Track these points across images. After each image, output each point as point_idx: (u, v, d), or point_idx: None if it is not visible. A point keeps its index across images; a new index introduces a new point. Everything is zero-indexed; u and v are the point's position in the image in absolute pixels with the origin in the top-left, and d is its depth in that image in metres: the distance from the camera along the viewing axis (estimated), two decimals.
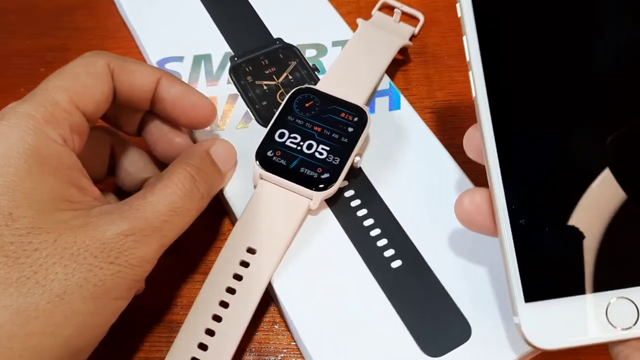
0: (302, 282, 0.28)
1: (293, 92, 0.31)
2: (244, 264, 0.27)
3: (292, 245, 0.28)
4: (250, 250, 0.27)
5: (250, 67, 0.34)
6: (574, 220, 0.21)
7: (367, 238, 0.29)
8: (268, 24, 0.36)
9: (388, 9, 0.38)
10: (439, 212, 0.29)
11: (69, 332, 0.21)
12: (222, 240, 0.31)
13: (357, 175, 0.30)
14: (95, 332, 0.23)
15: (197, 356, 0.25)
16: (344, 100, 0.30)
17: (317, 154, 0.29)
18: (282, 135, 0.29)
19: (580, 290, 0.21)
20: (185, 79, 0.34)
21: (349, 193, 0.30)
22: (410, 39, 0.37)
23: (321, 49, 0.35)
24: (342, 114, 0.30)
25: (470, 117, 0.34)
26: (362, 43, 0.34)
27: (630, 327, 0.20)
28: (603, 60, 0.22)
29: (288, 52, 0.35)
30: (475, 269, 0.28)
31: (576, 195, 0.22)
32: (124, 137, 0.30)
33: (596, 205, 0.21)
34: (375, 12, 0.38)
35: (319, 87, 0.31)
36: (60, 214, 0.22)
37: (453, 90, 0.36)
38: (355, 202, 0.30)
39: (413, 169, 0.31)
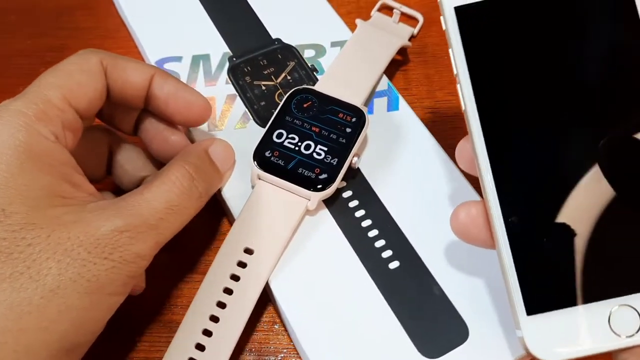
0: (299, 283, 0.28)
1: (291, 93, 0.31)
2: (242, 265, 0.27)
3: (289, 245, 0.28)
4: (248, 251, 0.27)
5: (248, 68, 0.34)
6: (571, 230, 0.21)
7: (364, 239, 0.29)
8: (267, 24, 0.36)
9: (387, 10, 0.38)
10: (436, 214, 0.29)
11: (64, 327, 0.21)
12: (223, 240, 0.31)
13: (355, 176, 0.30)
14: (91, 328, 0.23)
15: (194, 356, 0.25)
16: (342, 101, 0.30)
17: (315, 155, 0.29)
18: (280, 135, 0.29)
19: (582, 300, 0.21)
20: (183, 79, 0.34)
21: (347, 194, 0.30)
22: (410, 40, 0.37)
23: (320, 50, 0.35)
24: (340, 115, 0.30)
25: None
26: (360, 43, 0.34)
27: (633, 335, 0.20)
28: (590, 67, 0.22)
29: (287, 53, 0.35)
30: (472, 271, 0.28)
31: (572, 204, 0.21)
32: (121, 136, 0.30)
33: (593, 214, 0.21)
34: (374, 12, 0.38)
35: (317, 87, 0.31)
36: (54, 209, 0.22)
37: (453, 90, 0.36)
38: (354, 203, 0.30)
39: (411, 170, 0.30)
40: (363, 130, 0.30)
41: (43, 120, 0.23)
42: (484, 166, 0.22)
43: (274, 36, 0.36)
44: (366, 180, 0.30)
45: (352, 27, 0.35)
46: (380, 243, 0.28)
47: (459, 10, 0.22)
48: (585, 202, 0.21)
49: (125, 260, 0.23)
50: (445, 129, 0.34)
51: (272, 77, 0.34)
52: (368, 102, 0.33)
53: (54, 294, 0.21)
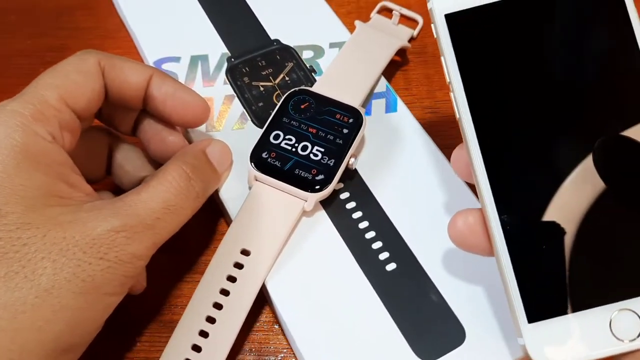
0: (296, 284, 0.28)
1: (288, 94, 0.31)
2: (238, 266, 0.27)
3: (286, 247, 0.28)
4: (245, 252, 0.27)
5: (247, 68, 0.34)
6: (570, 236, 0.21)
7: (361, 241, 0.29)
8: (265, 25, 0.36)
9: (388, 12, 0.38)
10: (434, 216, 0.29)
11: (58, 327, 0.21)
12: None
13: (352, 178, 0.30)
14: (87, 328, 0.23)
15: (190, 357, 0.25)
16: (340, 102, 0.30)
17: (312, 156, 0.29)
18: (277, 136, 0.29)
19: (582, 306, 0.21)
20: (182, 79, 0.34)
21: (344, 195, 0.30)
22: (409, 41, 0.37)
23: (318, 51, 0.35)
24: (338, 116, 0.30)
25: None
26: (359, 45, 0.34)
27: (635, 339, 0.20)
28: (583, 72, 0.22)
29: (285, 54, 0.35)
30: (470, 273, 0.27)
31: (570, 210, 0.21)
32: (121, 136, 0.30)
33: (591, 219, 0.21)
34: (373, 14, 0.38)
35: (315, 88, 0.31)
36: (50, 209, 0.22)
37: None
38: (351, 205, 0.30)
39: (409, 172, 0.30)
40: (360, 132, 0.30)
41: (40, 120, 0.23)
42: (481, 174, 0.22)
43: (272, 37, 0.36)
44: (363, 182, 0.30)
45: (351, 28, 0.35)
46: (377, 245, 0.28)
47: (450, 18, 0.22)
48: (583, 207, 0.21)
49: (121, 260, 0.23)
50: (446, 129, 0.34)
51: (271, 78, 0.34)
52: (366, 103, 0.33)
53: (49, 294, 0.21)
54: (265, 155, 0.29)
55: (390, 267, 0.28)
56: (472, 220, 0.23)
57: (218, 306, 0.26)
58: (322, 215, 0.29)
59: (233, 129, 0.32)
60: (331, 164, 0.29)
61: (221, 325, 0.26)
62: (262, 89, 0.34)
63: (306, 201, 0.28)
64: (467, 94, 0.22)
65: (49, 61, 0.38)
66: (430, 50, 0.37)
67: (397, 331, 0.26)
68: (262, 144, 0.29)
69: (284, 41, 0.35)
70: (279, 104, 0.31)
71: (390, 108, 0.33)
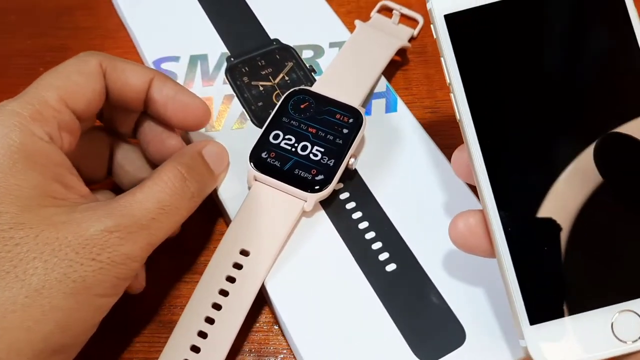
0: (295, 285, 0.27)
1: (288, 94, 0.31)
2: (237, 266, 0.27)
3: (286, 247, 0.28)
4: (244, 252, 0.27)
5: (246, 68, 0.34)
6: (572, 238, 0.21)
7: (361, 241, 0.28)
8: (265, 25, 0.36)
9: (388, 11, 0.38)
10: (434, 216, 0.29)
11: (49, 327, 0.21)
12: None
13: (352, 178, 0.30)
14: (78, 329, 0.23)
15: (189, 358, 0.25)
16: (339, 102, 0.30)
17: (311, 156, 0.29)
18: (276, 136, 0.29)
19: (584, 308, 0.21)
20: (181, 78, 0.34)
21: (344, 195, 0.30)
22: (409, 41, 0.36)
23: (318, 50, 0.35)
24: (337, 116, 0.30)
25: None
26: (359, 44, 0.34)
27: (637, 340, 0.20)
28: (583, 72, 0.22)
29: (285, 53, 0.35)
30: (470, 274, 0.27)
31: (572, 212, 0.21)
32: (123, 137, 0.30)
33: (593, 221, 0.21)
34: (373, 14, 0.38)
35: (314, 88, 0.31)
36: (44, 210, 0.22)
37: None
38: (350, 205, 0.29)
39: (409, 172, 0.30)
40: (360, 132, 0.29)
41: (38, 120, 0.24)
42: (482, 175, 0.22)
43: (272, 36, 0.35)
44: (363, 182, 0.30)
45: (351, 27, 0.35)
46: (377, 245, 0.28)
47: (449, 18, 0.22)
48: (586, 209, 0.21)
49: (113, 261, 0.23)
50: (446, 129, 0.34)
51: (270, 77, 0.34)
52: (366, 103, 0.33)
53: (39, 294, 0.21)
54: (265, 155, 0.29)
55: (390, 267, 0.28)
56: (473, 221, 0.23)
57: (217, 307, 0.26)
58: (322, 215, 0.29)
59: (232, 129, 0.32)
60: (331, 164, 0.29)
61: (220, 325, 0.26)
62: (261, 88, 0.34)
63: (306, 201, 0.28)
64: (468, 94, 0.22)
65: (49, 61, 0.38)
66: (431, 50, 0.37)
67: (396, 332, 0.26)
68: (262, 144, 0.29)
69: (284, 41, 0.35)
70: (278, 104, 0.31)
71: (390, 108, 0.33)
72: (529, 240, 0.21)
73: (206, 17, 0.36)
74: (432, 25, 0.22)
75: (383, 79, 0.34)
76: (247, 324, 0.27)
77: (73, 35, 0.39)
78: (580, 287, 0.21)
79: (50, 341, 0.22)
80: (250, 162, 0.29)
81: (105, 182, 0.30)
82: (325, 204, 0.29)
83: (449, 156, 0.30)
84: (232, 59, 0.35)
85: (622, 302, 0.21)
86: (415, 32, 0.37)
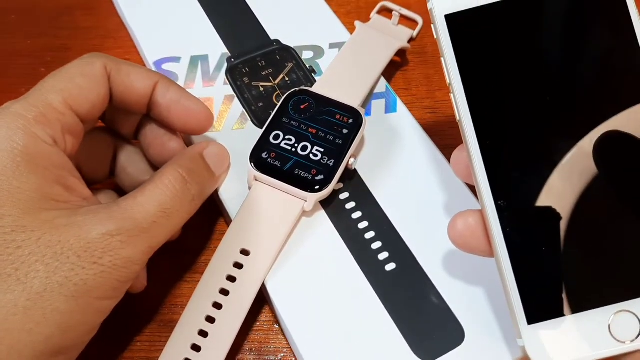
0: (295, 284, 0.28)
1: (288, 94, 0.31)
2: (238, 266, 0.27)
3: (286, 247, 0.28)
4: (244, 252, 0.28)
5: (247, 69, 0.34)
6: (570, 238, 0.21)
7: (361, 241, 0.29)
8: (265, 26, 0.36)
9: (387, 12, 0.38)
10: (433, 216, 0.29)
11: (49, 330, 0.21)
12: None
13: (352, 178, 0.30)
14: (79, 332, 0.23)
15: (190, 357, 0.25)
16: (339, 102, 0.30)
17: (311, 156, 0.29)
18: (276, 137, 0.29)
19: (582, 307, 0.21)
20: (182, 79, 0.34)
21: (343, 195, 0.30)
22: (409, 42, 0.37)
23: (318, 51, 0.35)
24: (337, 116, 0.30)
25: None
26: (359, 45, 0.34)
27: (634, 340, 0.20)
28: (584, 72, 0.22)
29: (285, 54, 0.35)
30: (469, 273, 0.27)
31: (571, 212, 0.21)
32: (126, 138, 0.30)
33: (591, 221, 0.21)
34: (373, 15, 0.38)
35: (314, 89, 0.31)
36: (46, 213, 0.23)
37: None
38: (350, 205, 0.30)
39: (408, 172, 0.30)
40: (360, 132, 0.30)
41: (42, 123, 0.24)
42: (481, 175, 0.22)
43: (272, 37, 0.36)
44: (363, 182, 0.30)
45: (351, 28, 0.35)
46: (376, 245, 0.28)
47: (450, 18, 0.22)
48: (584, 210, 0.21)
49: (115, 265, 0.23)
50: (445, 129, 0.34)
51: (270, 78, 0.34)
52: (366, 104, 0.33)
53: (40, 297, 0.21)
54: (265, 155, 0.29)
55: (390, 267, 0.28)
56: (472, 221, 0.23)
57: (218, 306, 0.26)
58: (322, 215, 0.29)
59: (233, 129, 0.32)
60: (331, 164, 0.29)
61: (221, 325, 0.26)
62: (262, 89, 0.34)
63: (306, 201, 0.28)
64: (468, 95, 0.22)
65: (49, 61, 0.38)
66: (430, 51, 0.38)
67: (396, 331, 0.26)
68: (262, 144, 0.29)
69: (284, 41, 0.35)
70: (278, 104, 0.31)
71: (390, 108, 0.33)
72: (527, 240, 0.22)
73: (206, 17, 0.36)
74: (432, 25, 0.22)
75: (383, 79, 0.34)
76: (247, 323, 0.27)
77: (73, 35, 0.39)
78: (578, 287, 0.21)
79: (51, 343, 0.22)
80: (250, 162, 0.29)
81: (108, 182, 0.30)
82: (325, 204, 0.30)
83: (448, 156, 0.31)
84: (233, 60, 0.35)
85: (619, 302, 0.21)
86: (415, 33, 0.37)
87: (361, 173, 0.31)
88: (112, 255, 0.23)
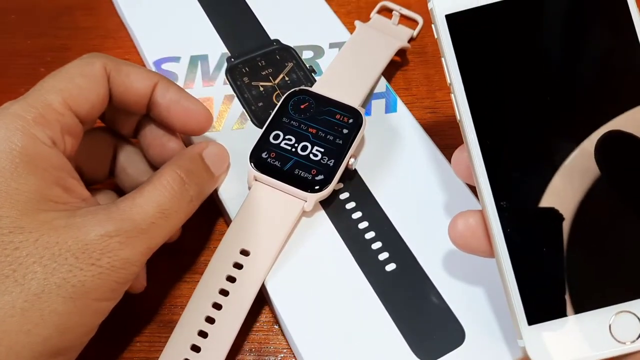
0: (295, 285, 0.28)
1: (288, 94, 0.31)
2: (238, 266, 0.27)
3: (286, 247, 0.28)
4: (244, 252, 0.27)
5: (246, 68, 0.34)
6: (571, 239, 0.21)
7: (361, 241, 0.29)
8: (265, 25, 0.36)
9: (387, 12, 0.38)
10: (434, 216, 0.29)
11: (47, 331, 0.21)
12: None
13: (352, 178, 0.30)
14: (77, 333, 0.23)
15: (189, 357, 0.25)
16: (339, 102, 0.30)
17: (311, 156, 0.29)
18: (276, 137, 0.29)
19: (582, 308, 0.21)
20: (181, 79, 0.34)
21: (343, 195, 0.30)
22: (409, 42, 0.37)
23: (318, 51, 0.35)
24: (337, 116, 0.30)
25: None
26: (359, 45, 0.34)
27: (634, 341, 0.20)
28: (584, 72, 0.22)
29: (285, 54, 0.35)
30: (470, 273, 0.27)
31: (572, 213, 0.21)
32: (127, 139, 0.30)
33: (592, 222, 0.21)
34: (373, 14, 0.38)
35: (314, 88, 0.31)
36: (44, 214, 0.22)
37: None
38: (350, 205, 0.30)
39: (409, 172, 0.30)
40: (360, 132, 0.30)
41: (41, 124, 0.23)
42: (481, 175, 0.22)
43: (272, 37, 0.36)
44: (363, 182, 0.30)
45: (351, 28, 0.35)
46: (377, 245, 0.28)
47: (450, 18, 0.22)
48: (585, 210, 0.21)
49: (113, 266, 0.23)
50: (445, 129, 0.34)
51: (270, 78, 0.34)
52: (366, 103, 0.33)
53: (38, 298, 0.21)
54: (265, 155, 0.29)
55: (390, 267, 0.28)
56: (473, 222, 0.23)
57: (217, 306, 0.26)
58: (322, 215, 0.29)
59: (233, 129, 0.32)
60: (331, 164, 0.29)
61: (220, 325, 0.26)
62: (261, 89, 0.34)
63: (306, 201, 0.28)
64: (468, 95, 0.22)
65: (49, 61, 0.38)
66: (430, 50, 0.37)
67: (396, 331, 0.26)
68: (262, 144, 0.29)
69: (284, 41, 0.35)
70: (278, 104, 0.31)
71: (390, 108, 0.33)
72: (527, 241, 0.22)
73: (206, 17, 0.36)
74: (433, 25, 0.22)
75: (383, 79, 0.34)
76: (247, 324, 0.27)
77: (73, 35, 0.39)
78: (578, 288, 0.21)
79: (49, 344, 0.22)
80: (250, 162, 0.29)
81: (107, 182, 0.30)
82: (325, 204, 0.29)
83: (448, 156, 0.31)
84: (233, 60, 0.35)
85: (620, 303, 0.21)
86: (415, 32, 0.37)
87: (361, 173, 0.30)
88: (110, 256, 0.23)
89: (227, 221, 0.31)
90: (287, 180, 0.28)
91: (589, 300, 0.21)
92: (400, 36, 0.36)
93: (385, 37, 0.35)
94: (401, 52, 0.37)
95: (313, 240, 0.29)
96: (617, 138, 0.22)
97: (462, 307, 0.27)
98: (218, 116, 0.33)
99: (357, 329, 0.26)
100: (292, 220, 0.28)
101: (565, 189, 0.21)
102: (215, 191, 0.30)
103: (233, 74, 0.34)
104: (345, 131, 0.29)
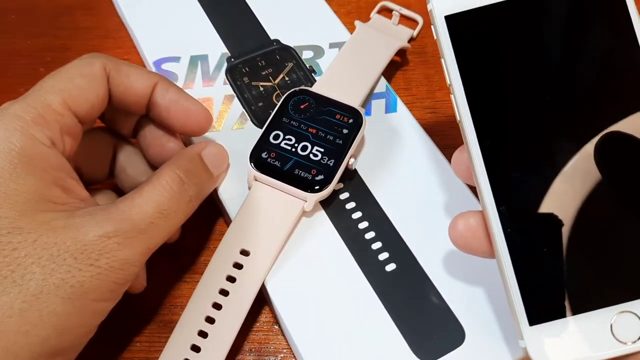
0: (295, 285, 0.28)
1: (288, 94, 0.31)
2: (238, 266, 0.27)
3: (286, 247, 0.28)
4: (244, 252, 0.27)
5: (246, 68, 0.34)
6: (572, 239, 0.21)
7: (361, 241, 0.29)
8: (265, 25, 0.36)
9: (387, 12, 0.38)
10: (434, 216, 0.29)
11: (46, 332, 0.21)
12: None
13: (352, 178, 0.30)
14: (75, 333, 0.23)
15: (189, 358, 0.25)
16: (339, 102, 0.30)
17: (311, 156, 0.29)
18: (276, 137, 0.29)
19: (584, 308, 0.21)
20: (181, 79, 0.34)
21: (343, 195, 0.30)
22: (409, 42, 0.37)
23: (318, 51, 0.35)
24: (337, 116, 0.30)
25: None
26: (358, 45, 0.34)
27: (636, 341, 0.20)
28: (584, 73, 0.22)
29: (285, 54, 0.35)
30: (470, 273, 0.27)
31: (572, 214, 0.21)
32: (126, 139, 0.30)
33: (593, 222, 0.21)
34: (373, 14, 0.38)
35: (314, 88, 0.31)
36: (43, 214, 0.22)
37: None
38: (350, 205, 0.30)
39: (409, 172, 0.30)
40: (360, 132, 0.29)
41: (40, 124, 0.23)
42: (481, 176, 0.22)
43: (272, 37, 0.36)
44: (363, 182, 0.30)
45: (351, 28, 0.35)
46: (377, 245, 0.28)
47: (450, 20, 0.22)
48: (585, 210, 0.21)
49: (112, 267, 0.23)
50: (445, 129, 0.34)
51: (270, 78, 0.34)
52: (366, 103, 0.33)
53: (36, 299, 0.21)
54: (265, 155, 0.29)
55: (390, 267, 0.28)
56: (474, 222, 0.23)
57: (217, 306, 0.26)
58: (322, 215, 0.29)
59: (233, 129, 0.32)
60: (331, 164, 0.29)
61: (220, 325, 0.26)
62: (261, 89, 0.34)
63: (306, 201, 0.28)
64: (468, 96, 0.22)
65: (49, 61, 0.38)
66: (430, 51, 0.37)
67: (396, 331, 0.26)
68: (262, 144, 0.29)
69: (284, 41, 0.35)
70: (278, 104, 0.31)
71: (390, 108, 0.33)
72: (528, 241, 0.22)
73: (206, 17, 0.36)
74: (432, 27, 0.22)
75: (383, 79, 0.34)
76: (247, 324, 0.27)
77: (73, 35, 0.39)
78: (579, 288, 0.21)
79: (47, 345, 0.22)
80: (250, 162, 0.29)
81: (107, 182, 0.30)
82: (325, 204, 0.29)
83: (448, 156, 0.31)
84: (233, 60, 0.35)
85: (621, 303, 0.21)
86: (415, 32, 0.37)
87: (361, 173, 0.30)
88: (109, 257, 0.23)
89: (227, 221, 0.31)
90: (287, 180, 0.28)
91: (590, 300, 0.21)
92: (400, 36, 0.36)
93: (385, 37, 0.35)
94: (401, 52, 0.37)
95: (313, 240, 0.29)
96: (616, 139, 0.22)
97: (462, 307, 0.27)
98: (218, 116, 0.33)
99: (357, 329, 0.26)
100: (292, 220, 0.28)
101: (566, 189, 0.21)
102: (215, 191, 0.30)
103: (233, 74, 0.34)
104: (345, 131, 0.29)
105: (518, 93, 0.22)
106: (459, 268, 0.28)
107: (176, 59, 0.35)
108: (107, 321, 0.24)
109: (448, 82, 0.22)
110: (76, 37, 0.39)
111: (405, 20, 0.38)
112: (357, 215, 0.29)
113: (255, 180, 0.29)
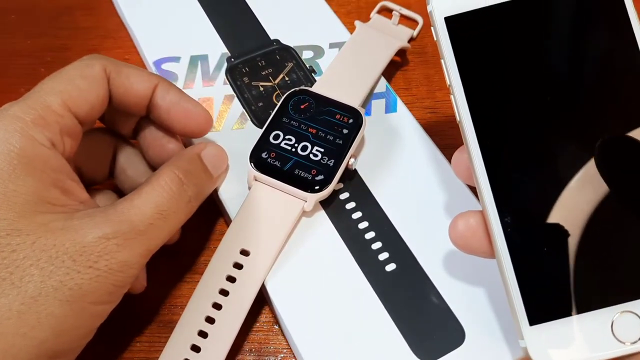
0: (295, 285, 0.28)
1: (288, 94, 0.31)
2: (238, 266, 0.27)
3: (286, 247, 0.28)
4: (244, 252, 0.27)
5: (246, 68, 0.34)
6: (571, 239, 0.21)
7: (361, 241, 0.29)
8: (265, 25, 0.36)
9: (387, 12, 0.38)
10: (434, 216, 0.29)
11: (44, 334, 0.21)
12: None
13: (352, 178, 0.30)
14: (74, 336, 0.23)
15: (189, 358, 0.25)
16: (339, 102, 0.30)
17: (311, 156, 0.29)
18: (276, 137, 0.29)
19: (584, 308, 0.21)
20: (181, 79, 0.34)
21: (343, 195, 0.30)
22: (409, 42, 0.37)
23: (318, 51, 0.35)
24: (337, 116, 0.30)
25: None
26: (359, 45, 0.34)
27: (636, 341, 0.20)
28: (584, 74, 0.22)
29: (285, 54, 0.35)
30: (470, 273, 0.27)
31: (571, 213, 0.21)
32: (127, 140, 0.30)
33: (592, 222, 0.21)
34: (373, 14, 0.38)
35: (314, 88, 0.31)
36: (42, 216, 0.22)
37: None
38: (350, 205, 0.30)
39: (409, 172, 0.30)
40: (360, 132, 0.29)
41: (40, 125, 0.23)
42: (482, 176, 0.22)
43: (272, 37, 0.36)
44: (363, 182, 0.30)
45: (351, 28, 0.35)
46: (377, 245, 0.28)
47: (450, 21, 0.22)
48: (585, 209, 0.21)
49: (110, 269, 0.23)
50: (445, 129, 0.34)
51: (270, 78, 0.34)
52: (366, 103, 0.33)
53: (35, 301, 0.21)
54: (265, 155, 0.29)
55: (390, 267, 0.28)
56: (474, 222, 0.23)
57: (217, 306, 0.26)
58: (322, 215, 0.29)
59: (232, 129, 0.32)
60: (331, 164, 0.29)
61: (220, 325, 0.26)
62: (261, 89, 0.34)
63: (306, 201, 0.28)
64: (468, 96, 0.22)
65: (49, 61, 0.38)
66: (430, 51, 0.37)
67: (396, 331, 0.26)
68: (262, 144, 0.29)
69: (284, 41, 0.35)
70: (278, 104, 0.31)
71: (390, 108, 0.33)
72: (528, 241, 0.22)
73: (206, 17, 0.36)
74: (432, 28, 0.22)
75: (383, 79, 0.34)
76: (247, 324, 0.27)
77: (73, 35, 0.39)
78: (580, 288, 0.21)
79: (45, 347, 0.22)
80: (250, 162, 0.29)
81: (107, 183, 0.30)
82: (325, 204, 0.29)
83: (448, 156, 0.31)
84: (233, 60, 0.35)
85: (622, 303, 0.21)
86: (415, 32, 0.37)
87: (361, 173, 0.30)
88: (108, 259, 0.23)
89: (227, 221, 0.31)
90: (287, 180, 0.28)
91: (591, 300, 0.21)
92: (400, 36, 0.36)
93: (385, 37, 0.35)
94: (401, 52, 0.37)
95: (313, 240, 0.29)
96: (617, 140, 0.22)
97: (462, 307, 0.27)
98: (218, 116, 0.33)
99: (357, 329, 0.26)
100: (292, 220, 0.28)
101: (566, 189, 0.21)
102: (215, 191, 0.30)
103: (233, 74, 0.34)
104: (345, 131, 0.29)
105: (517, 94, 0.22)
106: (459, 268, 0.28)
107: (176, 59, 0.35)
108: (107, 321, 0.24)
109: (448, 82, 0.22)
110: (76, 37, 0.39)
111: (405, 20, 0.38)
112: (357, 215, 0.29)
113: (255, 180, 0.29)
